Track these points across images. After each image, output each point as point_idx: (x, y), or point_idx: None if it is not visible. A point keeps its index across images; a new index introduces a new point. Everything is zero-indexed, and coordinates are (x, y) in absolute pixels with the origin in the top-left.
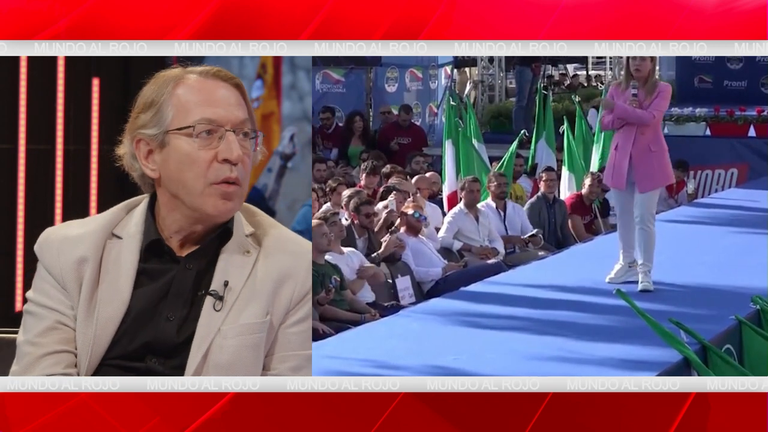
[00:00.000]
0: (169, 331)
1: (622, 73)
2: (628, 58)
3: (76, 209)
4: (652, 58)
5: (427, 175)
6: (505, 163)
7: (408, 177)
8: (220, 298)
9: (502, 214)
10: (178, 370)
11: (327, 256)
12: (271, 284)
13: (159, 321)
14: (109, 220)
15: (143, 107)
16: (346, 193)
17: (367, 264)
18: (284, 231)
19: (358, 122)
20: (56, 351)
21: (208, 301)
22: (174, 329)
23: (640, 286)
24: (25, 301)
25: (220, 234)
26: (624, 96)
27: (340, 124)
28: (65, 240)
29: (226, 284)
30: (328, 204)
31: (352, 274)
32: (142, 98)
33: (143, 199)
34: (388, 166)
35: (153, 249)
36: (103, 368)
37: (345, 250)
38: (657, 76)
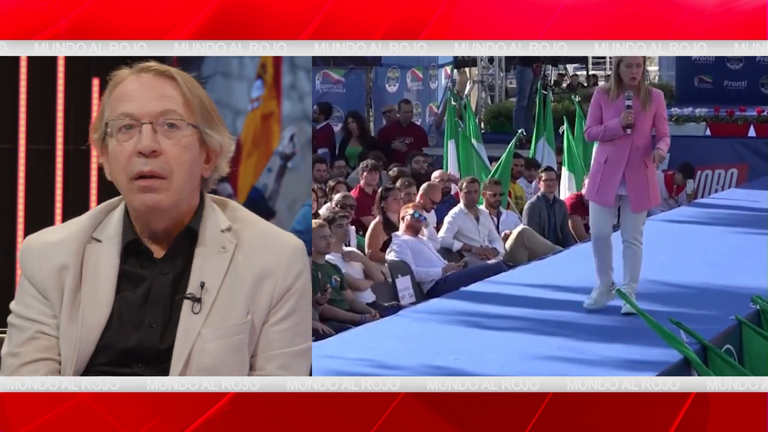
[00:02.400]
0: (152, 337)
1: (611, 80)
2: (618, 66)
3: (76, 209)
4: (644, 62)
5: (435, 175)
6: (502, 163)
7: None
8: (198, 300)
9: (495, 220)
10: (164, 375)
11: (328, 256)
12: (250, 282)
13: (143, 328)
14: (89, 224)
15: (96, 112)
16: (337, 197)
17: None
18: (265, 226)
19: (351, 123)
20: (36, 359)
21: (186, 304)
22: (157, 336)
23: (624, 308)
24: (10, 312)
25: (186, 233)
26: (615, 106)
27: (332, 124)
28: (45, 247)
29: (202, 285)
30: (328, 204)
31: (354, 274)
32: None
33: (121, 201)
34: (395, 168)
35: (131, 249)
36: (90, 375)
37: (347, 250)
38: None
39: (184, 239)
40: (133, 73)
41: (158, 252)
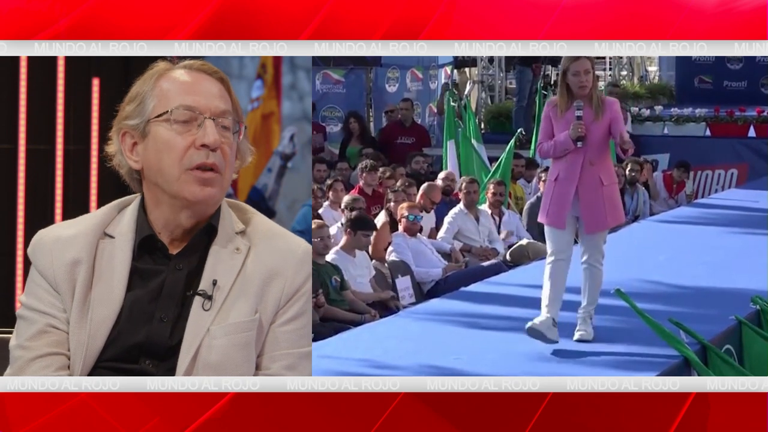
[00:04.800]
0: (162, 332)
1: (558, 91)
2: (565, 75)
3: (76, 209)
4: (594, 69)
5: (441, 176)
6: (502, 163)
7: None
8: (209, 298)
9: (497, 220)
10: (171, 372)
11: (331, 256)
12: (260, 282)
13: (152, 323)
14: (101, 220)
15: (128, 100)
16: (347, 199)
17: (373, 272)
18: (275, 228)
19: (353, 123)
20: (47, 354)
21: (197, 301)
22: (167, 331)
23: (576, 335)
24: (12, 304)
25: (206, 230)
26: (565, 119)
27: (317, 122)
28: (57, 241)
29: (214, 283)
30: (326, 204)
31: (360, 275)
32: (129, 93)
33: (134, 199)
34: (387, 169)
35: (145, 246)
36: (96, 370)
37: (356, 252)
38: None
39: (203, 236)
40: (183, 68)
41: (173, 248)
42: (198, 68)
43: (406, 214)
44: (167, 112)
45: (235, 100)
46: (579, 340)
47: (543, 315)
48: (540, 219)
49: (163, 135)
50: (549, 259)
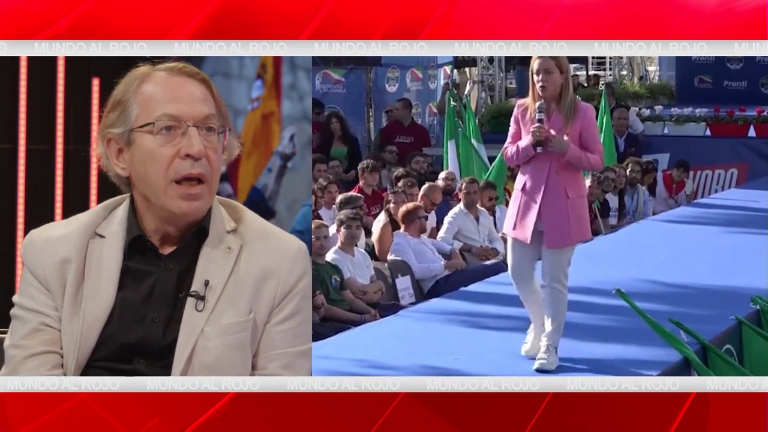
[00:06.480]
0: (154, 333)
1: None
2: (531, 76)
3: (76, 209)
4: (561, 70)
5: (442, 176)
6: (497, 163)
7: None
8: (202, 298)
9: (492, 218)
10: (165, 371)
11: (332, 255)
12: (253, 282)
13: (145, 323)
14: (92, 220)
15: (111, 106)
16: (341, 198)
17: (372, 271)
18: (268, 227)
19: (334, 124)
20: (41, 352)
21: (190, 302)
22: (159, 331)
23: (537, 364)
24: (13, 305)
25: (197, 232)
26: (532, 121)
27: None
28: (48, 241)
29: (206, 284)
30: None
31: (360, 275)
32: (112, 97)
33: (124, 199)
34: (401, 169)
35: (136, 246)
36: (90, 370)
37: (356, 251)
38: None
39: (194, 237)
40: (164, 71)
41: (164, 249)
42: (179, 71)
43: (425, 215)
44: (151, 123)
45: (219, 101)
46: (539, 370)
47: (530, 333)
48: (505, 231)
49: (148, 145)
50: (510, 275)
